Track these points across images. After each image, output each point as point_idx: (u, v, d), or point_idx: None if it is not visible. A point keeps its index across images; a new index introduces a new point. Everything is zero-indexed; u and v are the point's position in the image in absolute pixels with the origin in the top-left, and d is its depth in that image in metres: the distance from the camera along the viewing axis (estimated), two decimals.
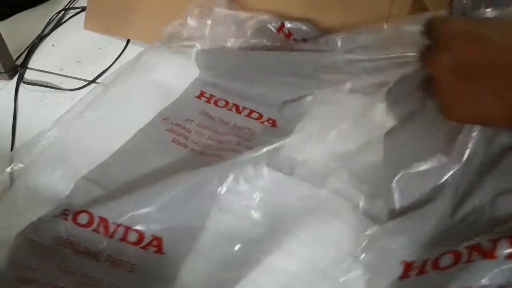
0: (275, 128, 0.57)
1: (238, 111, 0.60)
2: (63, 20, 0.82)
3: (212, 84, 0.63)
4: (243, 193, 0.48)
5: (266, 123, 0.58)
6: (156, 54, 0.66)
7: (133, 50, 0.75)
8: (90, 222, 0.48)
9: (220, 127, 0.58)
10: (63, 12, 0.83)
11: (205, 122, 0.59)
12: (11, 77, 0.72)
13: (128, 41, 0.75)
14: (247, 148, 0.52)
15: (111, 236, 0.47)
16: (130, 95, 0.62)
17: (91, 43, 0.77)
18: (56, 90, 0.70)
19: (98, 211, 0.48)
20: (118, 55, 0.74)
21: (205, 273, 0.44)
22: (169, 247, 0.46)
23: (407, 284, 0.39)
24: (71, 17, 0.83)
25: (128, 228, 0.47)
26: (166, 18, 0.70)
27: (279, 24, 0.66)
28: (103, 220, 0.48)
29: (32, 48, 0.76)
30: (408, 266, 0.40)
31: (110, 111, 0.60)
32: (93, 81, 0.70)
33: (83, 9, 0.81)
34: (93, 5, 0.77)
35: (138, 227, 0.47)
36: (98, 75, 0.71)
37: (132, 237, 0.47)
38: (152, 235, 0.47)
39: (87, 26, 0.78)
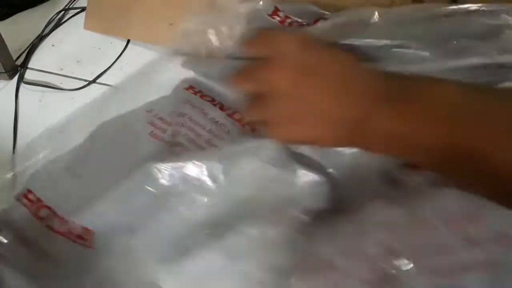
0: (253, 133, 0.56)
1: (222, 108, 0.59)
2: (63, 20, 0.82)
3: (202, 83, 0.63)
4: (190, 194, 0.46)
5: (246, 126, 0.57)
6: (163, 58, 0.66)
7: (134, 50, 0.75)
8: (48, 217, 0.48)
9: (198, 117, 0.56)
10: (63, 12, 0.83)
11: (185, 111, 0.57)
12: (11, 77, 0.72)
13: (128, 41, 0.75)
14: (213, 147, 0.52)
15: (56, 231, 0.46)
16: (135, 97, 0.62)
17: (91, 43, 0.77)
18: (56, 90, 0.70)
19: (58, 207, 0.48)
20: (118, 55, 0.74)
21: (137, 270, 0.44)
22: (100, 242, 0.45)
23: None
24: (71, 17, 0.83)
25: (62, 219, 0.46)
26: (166, 18, 0.70)
27: (272, 8, 0.65)
28: (58, 216, 0.47)
29: (32, 48, 0.76)
30: None
31: (116, 112, 0.60)
32: (94, 81, 0.71)
33: (83, 9, 0.81)
34: (93, 5, 0.77)
35: (72, 219, 0.46)
36: (98, 75, 0.71)
37: (63, 227, 0.46)
38: (83, 227, 0.46)
39: (87, 26, 0.78)
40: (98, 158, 0.54)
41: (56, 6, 0.84)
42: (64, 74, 0.73)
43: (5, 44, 0.71)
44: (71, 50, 0.76)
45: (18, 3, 0.84)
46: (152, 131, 0.56)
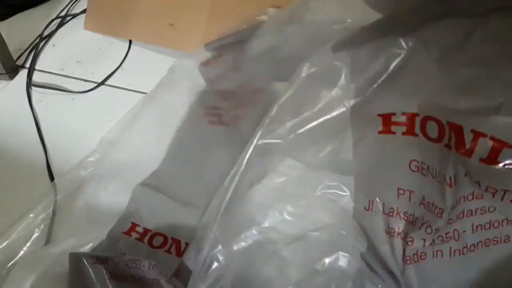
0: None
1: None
2: (64, 21, 0.82)
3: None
4: None
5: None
6: (189, 65, 0.67)
7: (133, 50, 0.75)
8: (164, 243, 0.49)
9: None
10: (64, 13, 0.83)
11: (228, 95, 0.60)
12: (11, 77, 0.72)
13: (130, 42, 0.75)
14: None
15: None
16: (172, 104, 0.63)
17: (91, 43, 0.77)
18: (56, 90, 0.70)
19: (171, 232, 0.49)
20: (118, 55, 0.74)
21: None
22: None
23: None
24: (72, 18, 0.82)
25: None
26: (166, 18, 0.70)
27: None
28: (176, 241, 0.49)
29: (34, 49, 0.76)
30: None
31: (155, 121, 0.61)
32: (102, 83, 0.70)
33: (83, 11, 0.81)
34: (93, 5, 0.77)
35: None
36: (107, 77, 0.71)
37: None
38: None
39: (87, 26, 0.78)
40: (180, 171, 0.56)
41: (56, 6, 0.84)
42: (65, 74, 0.73)
43: (5, 44, 0.71)
44: (72, 50, 0.76)
45: (19, 3, 0.84)
46: (210, 120, 0.58)
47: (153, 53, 0.74)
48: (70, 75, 0.72)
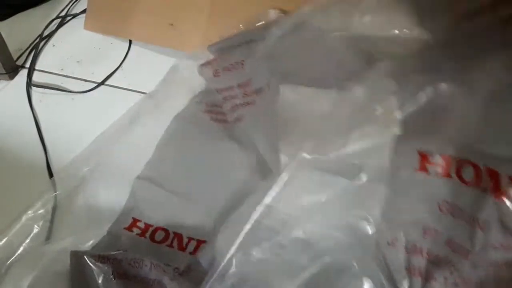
0: None
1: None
2: (64, 21, 0.82)
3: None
4: None
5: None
6: (189, 65, 0.67)
7: (133, 50, 0.75)
8: (165, 238, 0.49)
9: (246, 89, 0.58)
10: (64, 13, 0.83)
11: (232, 93, 0.59)
12: (11, 77, 0.72)
13: (130, 42, 0.75)
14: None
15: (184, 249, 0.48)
16: (171, 103, 0.63)
17: (91, 43, 0.77)
18: (56, 90, 0.70)
19: (172, 227, 0.49)
20: (118, 55, 0.74)
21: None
22: None
23: None
24: (72, 18, 0.82)
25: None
26: (166, 18, 0.71)
27: None
28: (178, 235, 0.49)
29: (34, 49, 0.76)
30: None
31: (154, 120, 0.61)
32: (102, 83, 0.70)
33: (83, 11, 0.81)
34: (93, 5, 0.77)
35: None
36: (107, 77, 0.71)
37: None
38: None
39: (87, 26, 0.78)
40: (176, 161, 0.56)
41: (56, 6, 0.84)
42: (65, 74, 0.73)
43: (6, 44, 0.71)
44: (72, 50, 0.76)
45: (19, 3, 0.84)
46: (212, 117, 0.59)
47: (153, 53, 0.74)
48: (70, 75, 0.72)
